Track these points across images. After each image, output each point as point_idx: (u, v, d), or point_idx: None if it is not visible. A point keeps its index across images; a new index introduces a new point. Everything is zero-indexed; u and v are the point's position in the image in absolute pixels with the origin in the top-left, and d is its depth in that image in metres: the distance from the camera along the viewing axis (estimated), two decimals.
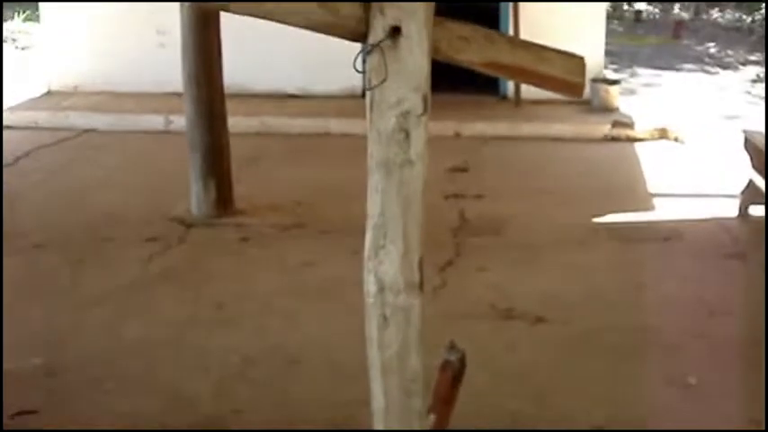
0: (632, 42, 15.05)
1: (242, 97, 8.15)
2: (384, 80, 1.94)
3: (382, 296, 2.16)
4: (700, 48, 14.84)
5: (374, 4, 1.93)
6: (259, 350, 4.02)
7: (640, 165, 7.30)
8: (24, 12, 14.68)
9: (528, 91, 8.36)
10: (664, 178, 6.88)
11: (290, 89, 9.10)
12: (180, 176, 5.96)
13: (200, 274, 4.99)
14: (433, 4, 1.93)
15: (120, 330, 4.21)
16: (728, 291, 4.78)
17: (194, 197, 5.84)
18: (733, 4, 19.22)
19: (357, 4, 1.95)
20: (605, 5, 9.88)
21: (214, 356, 3.97)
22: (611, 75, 10.34)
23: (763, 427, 3.33)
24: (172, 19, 5.90)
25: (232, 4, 1.93)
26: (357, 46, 2.03)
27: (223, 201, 5.86)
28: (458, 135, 8.01)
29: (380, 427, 2.32)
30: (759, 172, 5.69)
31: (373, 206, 2.09)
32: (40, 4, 9.68)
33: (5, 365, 3.73)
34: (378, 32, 1.94)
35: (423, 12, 1.91)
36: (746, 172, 5.91)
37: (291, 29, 2.03)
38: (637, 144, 7.94)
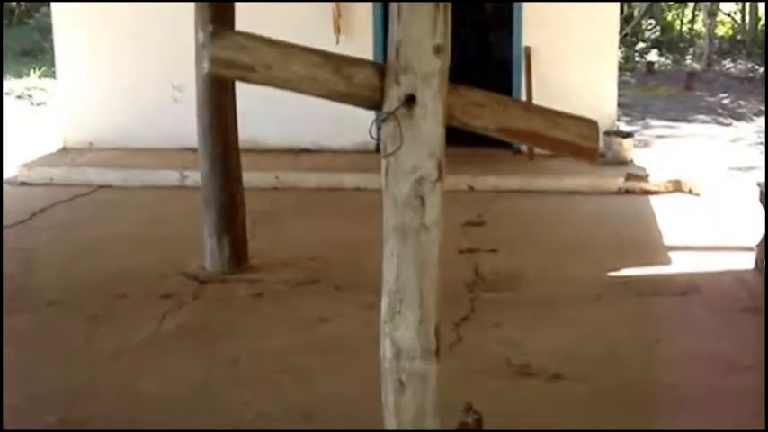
0: (645, 94, 15.10)
1: (256, 152, 8.19)
2: (399, 148, 1.95)
3: (398, 361, 2.15)
4: (712, 99, 14.87)
5: (389, 73, 1.94)
6: (274, 407, 4.00)
7: (655, 218, 7.28)
8: (40, 68, 14.85)
9: None
10: (679, 231, 6.85)
11: (304, 144, 9.15)
12: (194, 232, 5.97)
13: (214, 330, 4.97)
14: (447, 71, 1.94)
15: (135, 388, 4.19)
16: (746, 345, 4.73)
17: (208, 253, 5.85)
18: (745, 55, 19.28)
19: (372, 72, 1.96)
20: (617, 57, 9.92)
21: (229, 413, 3.94)
22: (624, 127, 10.35)
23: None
24: (187, 74, 5.95)
25: (250, 75, 1.94)
26: None
27: (237, 257, 5.86)
28: (471, 189, 8.02)
29: None
30: None
31: (389, 272, 2.09)
32: (57, 59, 9.77)
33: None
34: (393, 101, 1.96)
35: (437, 80, 1.92)
36: (762, 224, 5.88)
37: None
38: (651, 197, 7.93)
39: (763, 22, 21.88)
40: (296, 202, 7.75)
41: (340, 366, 4.40)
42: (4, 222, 6.86)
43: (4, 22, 21.95)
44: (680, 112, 13.22)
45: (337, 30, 8.98)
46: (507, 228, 7.01)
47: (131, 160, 8.84)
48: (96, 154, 9.15)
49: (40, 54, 17.00)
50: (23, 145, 9.93)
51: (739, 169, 9.06)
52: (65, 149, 9.49)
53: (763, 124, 12.01)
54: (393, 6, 1.95)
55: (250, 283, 5.64)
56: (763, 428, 3.29)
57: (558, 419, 3.90)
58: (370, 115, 2.11)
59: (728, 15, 23.62)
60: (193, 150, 6.03)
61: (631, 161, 8.74)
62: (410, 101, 1.93)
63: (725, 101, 14.67)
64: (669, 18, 24.26)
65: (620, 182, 8.12)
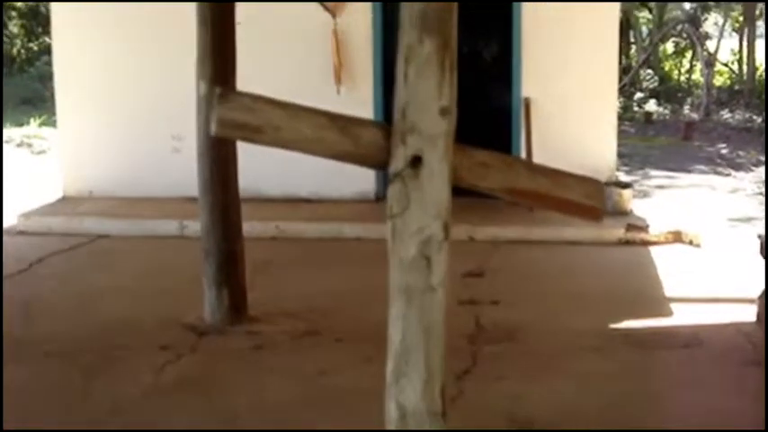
0: (644, 143, 15.17)
1: (256, 202, 8.18)
2: (406, 209, 1.95)
3: (404, 423, 2.12)
4: (711, 149, 14.93)
5: (395, 133, 1.94)
6: None
7: (656, 269, 7.26)
8: (40, 116, 14.91)
9: None
10: (680, 283, 6.82)
11: (304, 193, 9.15)
12: (193, 282, 5.94)
13: (213, 383, 4.93)
14: (453, 133, 1.94)
15: None
16: (749, 399, 4.69)
17: (207, 304, 5.81)
18: (742, 105, 19.40)
19: (379, 133, 1.96)
20: (616, 107, 9.97)
21: None
22: (623, 177, 10.39)
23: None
24: (187, 125, 5.97)
25: (257, 136, 1.94)
26: None
27: (236, 308, 5.82)
28: (471, 239, 8.01)
29: None
30: None
31: (395, 333, 2.07)
32: (57, 108, 9.81)
33: None
34: (399, 162, 1.95)
35: (443, 141, 1.92)
36: (763, 276, 5.86)
37: None
38: (652, 248, 7.92)
39: (761, 71, 22.05)
40: (296, 252, 7.73)
41: (341, 421, 4.35)
42: (3, 272, 6.84)
43: (5, 70, 22.11)
44: (679, 162, 13.26)
45: (338, 80, 9.03)
46: (508, 279, 6.98)
47: (131, 210, 8.84)
48: (96, 203, 9.15)
49: (40, 102, 17.11)
50: (22, 194, 9.93)
51: (739, 220, 9.07)
52: (64, 198, 9.50)
53: (763, 175, 12.04)
54: (399, 68, 1.96)
55: (249, 335, 5.60)
56: (763, 428, 3.25)
57: None
58: None
59: (726, 65, 23.81)
60: (193, 200, 6.03)
61: (631, 212, 8.74)
62: (416, 162, 1.93)
63: (723, 151, 14.73)
64: (667, 68, 24.46)
65: (620, 233, 8.11)
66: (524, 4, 9.02)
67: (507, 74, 9.25)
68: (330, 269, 7.16)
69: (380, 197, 8.76)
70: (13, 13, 25.13)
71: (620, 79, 15.17)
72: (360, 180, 8.49)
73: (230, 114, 1.91)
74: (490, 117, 9.27)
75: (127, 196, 9.22)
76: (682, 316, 6.06)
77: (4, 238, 8.10)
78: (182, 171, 7.72)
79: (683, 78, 23.58)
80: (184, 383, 4.90)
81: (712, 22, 25.15)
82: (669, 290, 6.67)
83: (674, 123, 18.12)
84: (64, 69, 9.66)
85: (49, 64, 11.24)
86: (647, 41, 24.95)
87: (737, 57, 23.56)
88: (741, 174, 12.53)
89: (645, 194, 10.45)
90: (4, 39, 24.51)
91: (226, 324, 5.74)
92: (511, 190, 2.05)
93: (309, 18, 9.04)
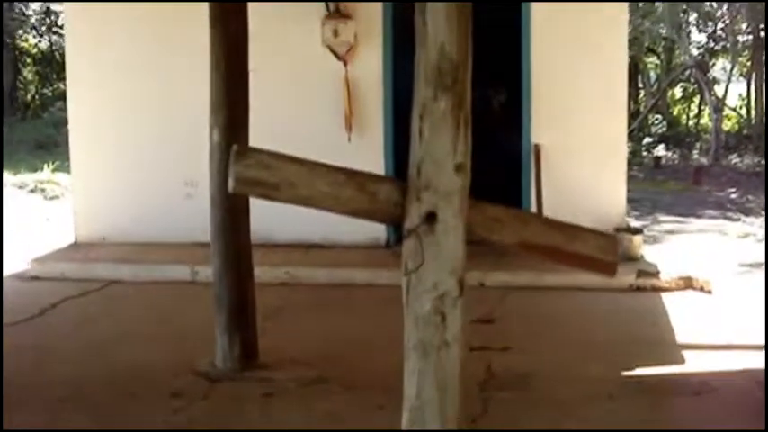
0: (653, 188, 15.18)
1: (267, 247, 8.21)
2: (421, 265, 1.97)
3: None
4: (721, 194, 14.94)
5: (411, 190, 1.97)
6: None
7: (667, 315, 7.24)
8: (54, 162, 15.02)
9: None
10: (692, 329, 6.81)
11: (315, 239, 9.17)
12: (205, 328, 5.96)
13: (224, 430, 4.93)
14: (467, 188, 1.97)
15: None
16: None
17: (219, 351, 5.83)
18: (751, 149, 19.42)
19: (394, 189, 1.99)
20: (626, 152, 10.00)
21: None
22: (633, 222, 10.39)
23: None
24: (200, 171, 6.01)
25: (274, 193, 1.98)
26: None
27: (248, 354, 5.83)
28: (482, 285, 8.00)
29: None
30: None
31: (410, 388, 2.09)
32: (71, 154, 9.87)
33: None
34: (414, 218, 1.98)
35: (458, 197, 1.95)
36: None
37: None
38: (663, 294, 7.90)
39: None
40: (306, 298, 7.74)
41: None
42: (15, 318, 6.88)
43: (17, 116, 22.33)
44: (689, 207, 13.26)
45: (349, 128, 9.10)
46: (519, 324, 6.98)
47: (143, 255, 8.88)
48: (108, 248, 9.20)
49: (54, 148, 17.24)
50: (36, 239, 9.98)
51: (750, 266, 9.04)
52: (77, 244, 9.54)
53: None
54: (414, 125, 2.00)
55: (260, 382, 5.60)
56: (764, 428, 3.23)
57: None
58: None
59: (734, 110, 23.88)
60: (205, 245, 6.06)
61: (642, 257, 8.74)
62: (431, 218, 1.96)
63: (733, 195, 14.73)
64: (676, 113, 24.55)
65: (631, 279, 8.10)
66: (533, 49, 9.08)
67: (517, 120, 9.30)
68: (341, 315, 7.17)
69: (391, 243, 8.78)
70: (28, 60, 25.43)
71: (629, 124, 15.23)
72: (371, 226, 8.44)
73: (247, 172, 1.94)
74: (501, 163, 9.31)
75: (139, 241, 9.26)
76: (693, 363, 6.04)
77: (17, 283, 8.15)
78: (194, 216, 7.77)
79: (691, 123, 23.65)
80: (196, 431, 4.89)
81: (720, 67, 25.25)
82: (680, 336, 6.65)
83: (684, 168, 18.15)
84: (77, 115, 9.75)
85: (63, 110, 11.34)
86: (655, 87, 25.06)
87: (745, 101, 23.62)
88: (751, 218, 12.52)
89: (655, 240, 10.44)
90: (19, 85, 24.78)
91: (237, 370, 5.75)
92: (524, 244, 2.07)
93: (321, 66, 9.13)
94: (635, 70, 23.25)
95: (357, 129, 9.15)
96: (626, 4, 9.47)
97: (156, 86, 9.45)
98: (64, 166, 13.17)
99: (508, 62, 9.31)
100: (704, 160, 19.28)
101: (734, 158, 19.50)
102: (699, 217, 12.56)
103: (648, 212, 12.68)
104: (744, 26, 20.94)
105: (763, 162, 18.17)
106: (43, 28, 25.15)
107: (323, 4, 9.03)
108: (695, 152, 20.68)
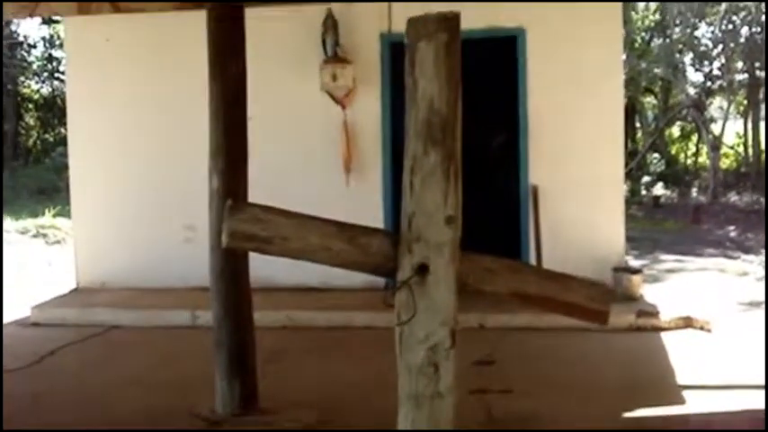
0: (652, 227, 15.20)
1: (266, 291, 8.22)
2: (413, 316, 1.99)
3: None
4: (720, 232, 14.95)
5: (402, 242, 1.99)
6: None
7: (668, 355, 7.23)
8: (55, 207, 15.07)
9: None
10: (692, 369, 6.79)
11: (314, 282, 9.18)
12: (205, 373, 5.95)
13: None
14: (458, 240, 1.99)
15: None
16: None
17: (219, 395, 5.82)
18: (749, 187, 19.46)
19: (386, 241, 2.02)
20: (624, 192, 10.03)
21: None
22: (633, 261, 10.39)
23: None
24: (199, 215, 6.04)
25: (267, 247, 2.00)
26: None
27: (248, 398, 5.82)
28: (482, 327, 8.01)
29: None
30: None
31: None
32: (72, 199, 9.92)
33: None
34: (406, 270, 2.01)
35: (449, 249, 1.97)
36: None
37: None
38: (663, 333, 7.90)
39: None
40: (306, 341, 7.74)
41: None
42: (14, 365, 6.88)
43: (19, 162, 22.43)
44: (688, 246, 13.27)
45: (347, 171, 9.15)
46: (519, 366, 6.97)
47: (143, 300, 8.90)
48: (109, 294, 9.22)
49: (55, 193, 17.30)
50: (38, 284, 10.00)
51: (750, 304, 9.04)
52: (78, 289, 9.56)
53: None
54: (405, 178, 2.03)
55: (261, 426, 5.60)
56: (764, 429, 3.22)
57: None
58: None
59: (732, 148, 23.97)
60: (205, 289, 6.07)
61: (641, 297, 8.74)
62: (423, 270, 1.98)
63: (732, 233, 14.74)
64: (673, 152, 24.63)
65: (630, 318, 8.10)
66: (530, 90, 9.15)
67: (515, 161, 9.35)
68: (341, 358, 7.17)
69: (390, 286, 8.77)
70: (30, 105, 25.60)
71: (627, 164, 15.28)
72: None
73: (241, 226, 1.97)
74: (499, 204, 9.34)
75: (140, 287, 9.29)
76: (694, 403, 6.02)
77: (18, 330, 8.16)
78: (194, 261, 7.80)
79: (689, 162, 23.72)
80: None
81: (717, 105, 25.39)
82: (681, 377, 6.63)
83: (683, 206, 18.18)
84: (78, 161, 9.81)
85: (65, 155, 11.40)
86: (652, 126, 25.17)
87: (742, 139, 23.72)
88: (751, 256, 12.52)
89: (655, 279, 10.44)
90: (21, 131, 24.91)
91: (237, 415, 5.73)
92: (517, 294, 2.10)
93: (320, 110, 9.20)
94: (632, 110, 23.38)
95: (356, 173, 9.20)
96: (620, 44, 9.55)
97: (156, 131, 9.52)
98: (65, 211, 13.21)
99: (505, 104, 9.37)
100: (703, 198, 19.32)
101: (732, 196, 19.54)
102: (698, 255, 12.56)
103: (648, 251, 12.68)
104: (739, 65, 21.07)
105: (762, 199, 18.21)
106: (45, 74, 25.36)
107: (320, 49, 9.10)
108: (694, 190, 20.72)
